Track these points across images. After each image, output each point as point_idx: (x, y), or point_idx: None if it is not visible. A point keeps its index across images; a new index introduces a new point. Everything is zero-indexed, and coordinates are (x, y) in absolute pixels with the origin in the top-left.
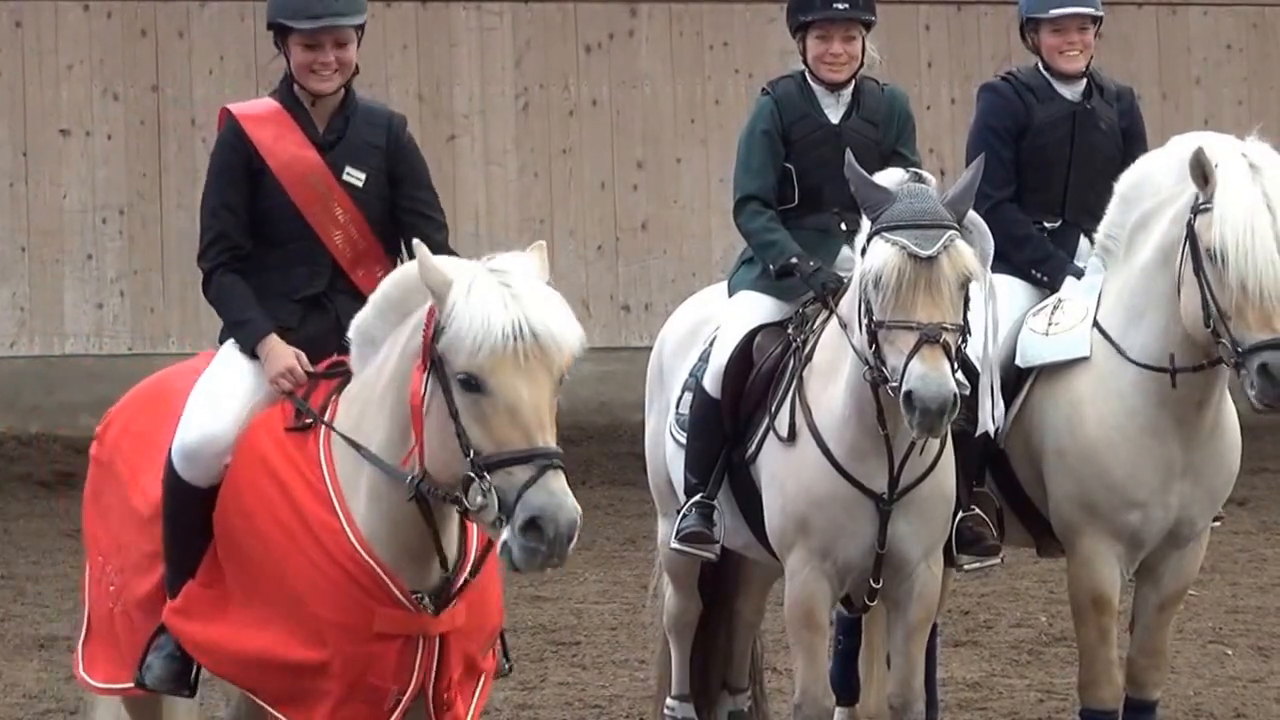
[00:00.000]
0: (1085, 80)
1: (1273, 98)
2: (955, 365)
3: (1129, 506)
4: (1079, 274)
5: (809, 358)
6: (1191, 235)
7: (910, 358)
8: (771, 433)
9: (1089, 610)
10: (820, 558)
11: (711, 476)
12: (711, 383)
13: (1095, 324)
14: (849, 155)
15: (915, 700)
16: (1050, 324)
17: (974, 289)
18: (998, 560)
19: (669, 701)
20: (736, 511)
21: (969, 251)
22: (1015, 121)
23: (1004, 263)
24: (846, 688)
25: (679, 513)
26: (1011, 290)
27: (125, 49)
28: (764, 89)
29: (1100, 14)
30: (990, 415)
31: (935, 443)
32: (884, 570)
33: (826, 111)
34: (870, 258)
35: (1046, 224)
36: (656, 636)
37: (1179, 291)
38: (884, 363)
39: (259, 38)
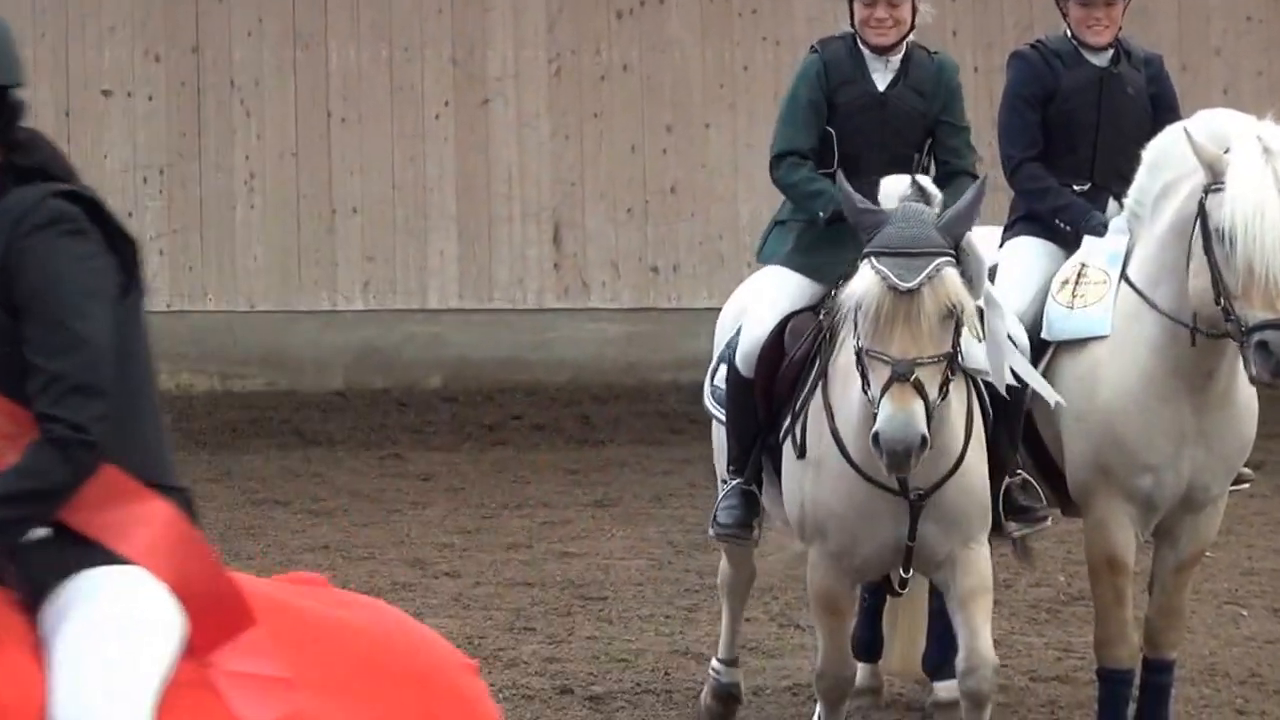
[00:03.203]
0: (1113, 48)
1: None
2: (937, 397)
3: (1141, 470)
4: (1102, 226)
5: (835, 353)
6: (1203, 213)
7: (882, 394)
8: (796, 427)
9: (1104, 571)
10: (838, 557)
11: (750, 459)
12: (744, 363)
13: (1125, 277)
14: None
15: (981, 666)
16: (1075, 297)
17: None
18: (1048, 524)
19: (715, 664)
20: (776, 493)
21: (956, 281)
22: (1043, 87)
23: (1028, 222)
24: (871, 645)
25: (720, 495)
26: (1034, 253)
27: (166, 11)
28: (813, 47)
29: None
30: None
31: (958, 437)
32: (916, 563)
33: (874, 77)
34: (855, 283)
35: (1075, 187)
36: (680, 592)
37: (1188, 267)
38: (867, 388)
39: (298, 1)
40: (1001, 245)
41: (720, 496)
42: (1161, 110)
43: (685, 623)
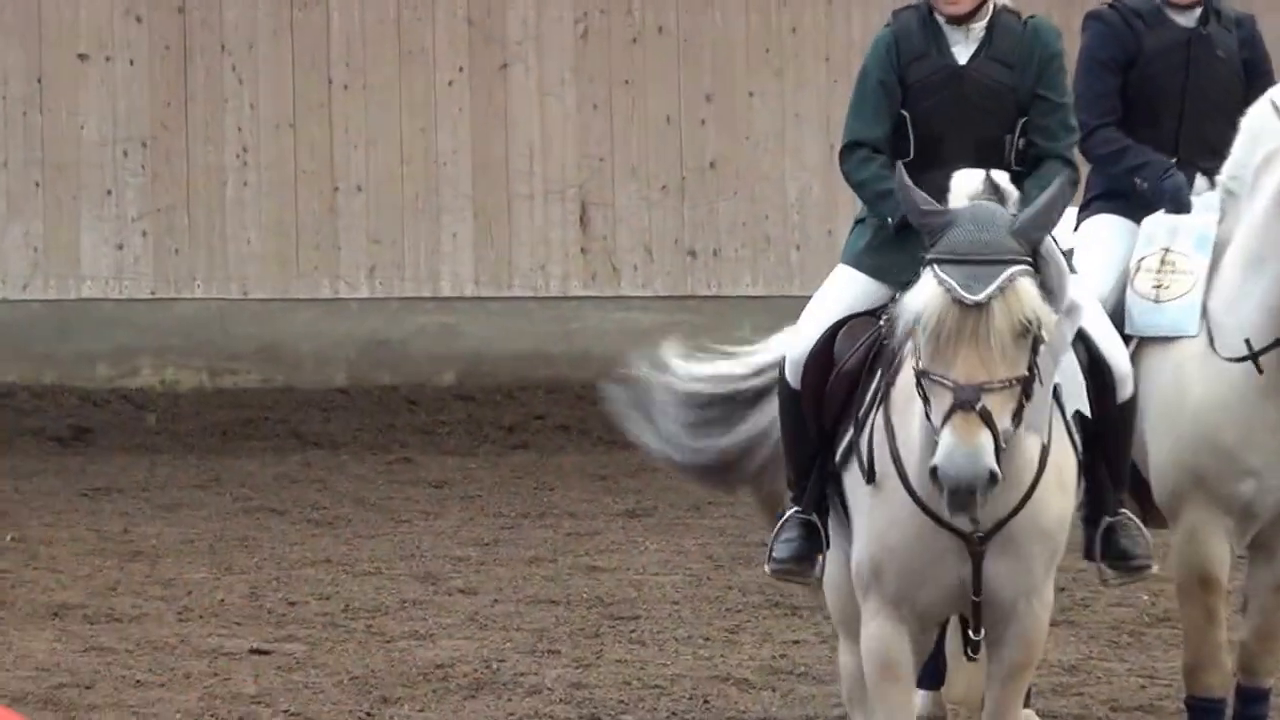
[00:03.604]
0: (1201, 6)
1: None
2: (1009, 427)
3: (1241, 475)
4: (1183, 189)
5: (898, 366)
6: None
7: (944, 423)
8: (855, 453)
9: (1195, 589)
10: (896, 604)
11: (809, 484)
12: (791, 372)
13: (1218, 259)
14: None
15: None
16: (1158, 287)
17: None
18: (1150, 573)
19: None
20: (841, 518)
21: (1032, 293)
22: (1123, 51)
23: (1107, 200)
24: (931, 672)
25: (777, 524)
26: (1115, 234)
27: None
28: (889, 20)
29: None
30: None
31: (1028, 468)
32: (983, 613)
33: (954, 50)
34: (915, 294)
35: None
36: (720, 612)
37: None
38: (929, 414)
39: None
40: (1077, 227)
41: (777, 526)
42: (1255, 76)
43: (726, 645)
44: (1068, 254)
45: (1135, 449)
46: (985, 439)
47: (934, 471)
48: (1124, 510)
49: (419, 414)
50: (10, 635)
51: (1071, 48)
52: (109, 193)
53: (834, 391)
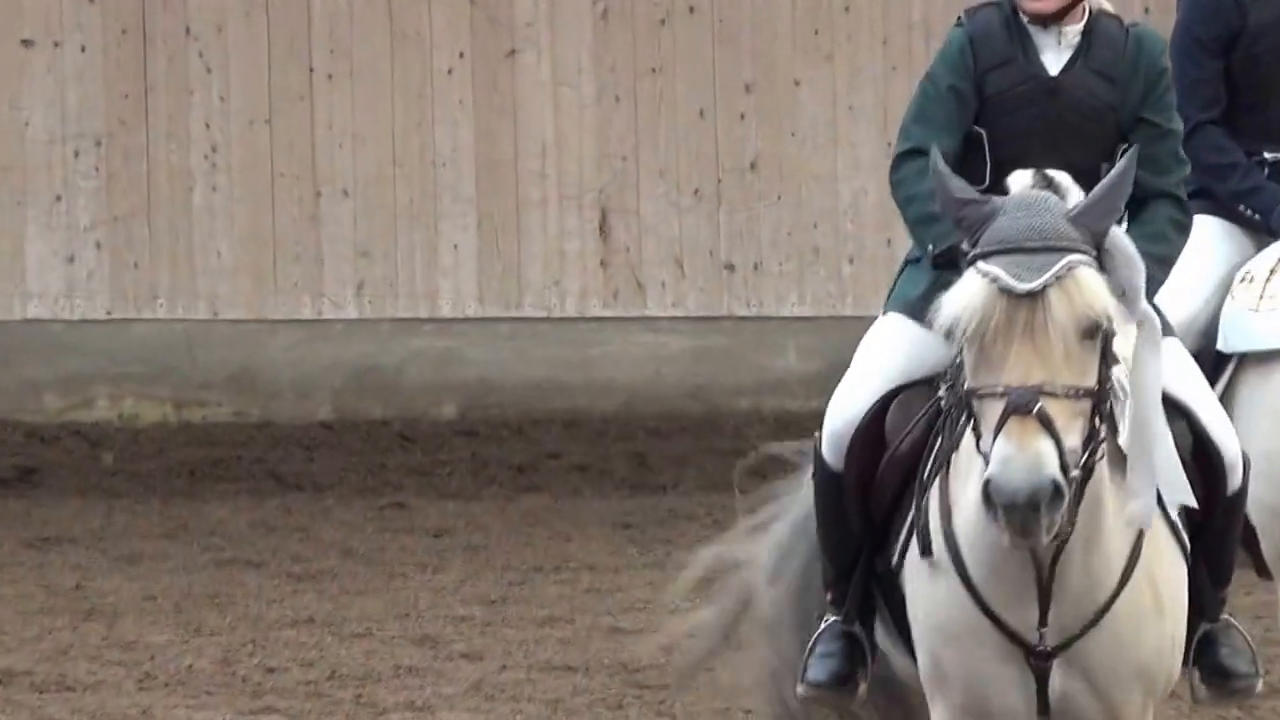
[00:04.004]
0: None
1: None
2: (1075, 447)
3: None
4: None
5: (961, 433)
6: None
7: (996, 434)
8: (915, 539)
9: None
10: (964, 714)
11: (851, 585)
12: (832, 451)
13: None
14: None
15: None
16: (1263, 298)
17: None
18: (1254, 693)
19: None
20: (891, 628)
21: (1096, 283)
22: (1226, 27)
23: (1205, 199)
24: None
25: (813, 636)
26: (1211, 237)
27: None
28: (959, 19)
29: None
30: (1157, 491)
31: (1112, 566)
32: None
33: (1043, 58)
34: (954, 295)
35: (1268, 154)
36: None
37: None
38: (978, 441)
39: None
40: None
41: (812, 639)
42: None
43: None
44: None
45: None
46: (1047, 446)
47: (986, 489)
48: (1227, 616)
49: (414, 452)
50: None
51: (1169, 27)
52: (58, 198)
53: (885, 479)
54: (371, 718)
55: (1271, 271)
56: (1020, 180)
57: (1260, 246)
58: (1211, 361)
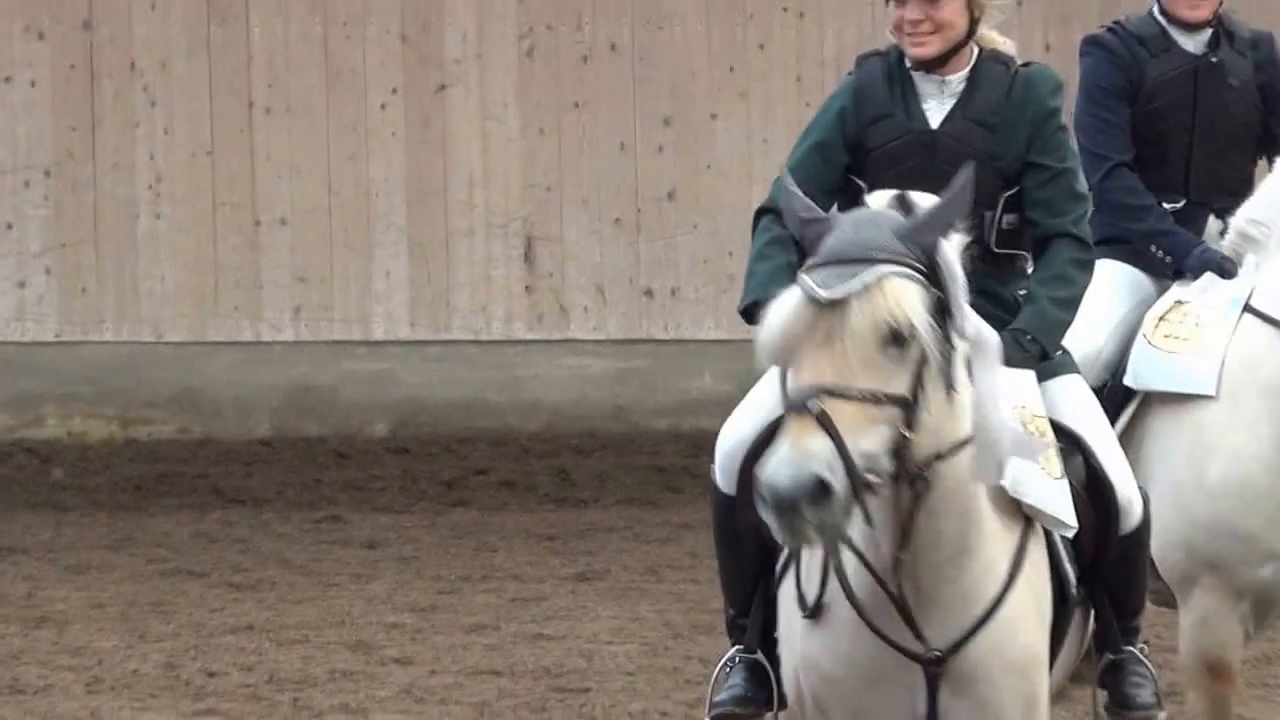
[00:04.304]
0: (1212, 28)
1: None
2: (870, 451)
3: (1263, 559)
4: (1215, 265)
5: None
6: None
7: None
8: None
9: (1202, 676)
10: None
11: (751, 613)
12: (724, 474)
13: (1250, 308)
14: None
15: None
16: (1171, 338)
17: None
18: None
19: None
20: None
21: (904, 295)
22: (1127, 81)
23: (1114, 245)
24: None
25: (720, 662)
26: (1115, 279)
27: None
28: (853, 68)
29: None
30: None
31: (999, 567)
32: None
33: (925, 107)
34: (771, 308)
35: (1166, 204)
36: (679, 684)
37: None
38: None
39: None
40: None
41: (717, 670)
42: (1274, 103)
43: None
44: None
45: None
46: (820, 445)
47: (755, 488)
48: (1132, 648)
49: (349, 468)
50: None
51: (1075, 68)
52: (9, 226)
53: None
54: None
55: (1181, 314)
56: (878, 199)
57: (1161, 290)
58: (1118, 396)
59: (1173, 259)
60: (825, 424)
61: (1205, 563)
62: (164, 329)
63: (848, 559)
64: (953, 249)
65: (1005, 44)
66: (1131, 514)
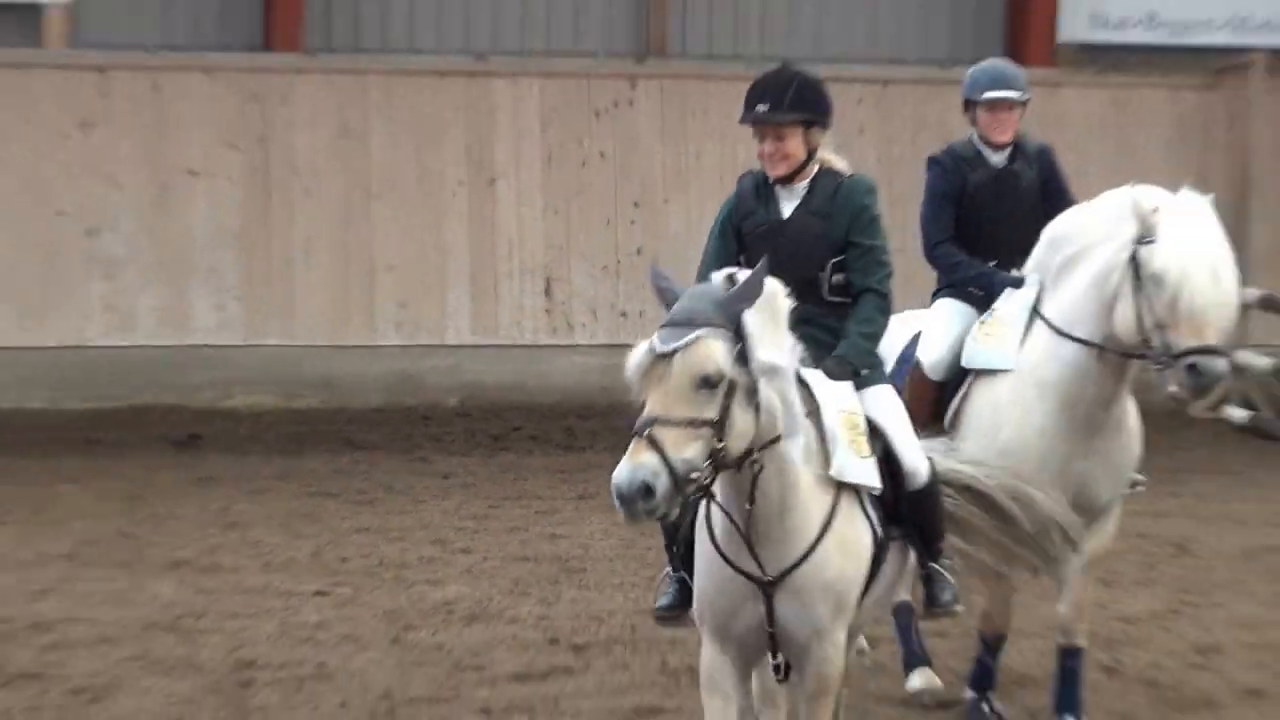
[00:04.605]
0: (1010, 147)
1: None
2: (689, 459)
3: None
4: (1013, 282)
5: None
6: (1135, 262)
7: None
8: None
9: (990, 579)
10: (717, 637)
11: (675, 545)
12: None
13: (1040, 316)
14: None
15: None
16: (986, 336)
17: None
18: (958, 613)
19: None
20: None
21: (711, 351)
22: (955, 186)
23: (949, 289)
24: (918, 656)
25: (661, 577)
26: (954, 311)
27: (242, 110)
28: (740, 179)
29: (1027, 97)
30: (842, 466)
31: (815, 519)
32: (780, 646)
33: (781, 204)
34: (630, 355)
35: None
36: (643, 565)
37: (1112, 308)
38: None
39: (345, 104)
40: (931, 305)
41: (658, 581)
42: (1052, 195)
43: (647, 589)
44: (917, 332)
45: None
46: (648, 459)
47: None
48: (937, 565)
49: (432, 426)
50: (143, 582)
51: (895, 173)
52: (212, 270)
53: None
54: (404, 588)
55: (993, 318)
56: (718, 276)
57: (981, 312)
58: (958, 378)
59: (985, 291)
60: (654, 444)
61: None
62: (315, 337)
63: (717, 514)
64: (752, 314)
65: (838, 161)
66: (918, 476)
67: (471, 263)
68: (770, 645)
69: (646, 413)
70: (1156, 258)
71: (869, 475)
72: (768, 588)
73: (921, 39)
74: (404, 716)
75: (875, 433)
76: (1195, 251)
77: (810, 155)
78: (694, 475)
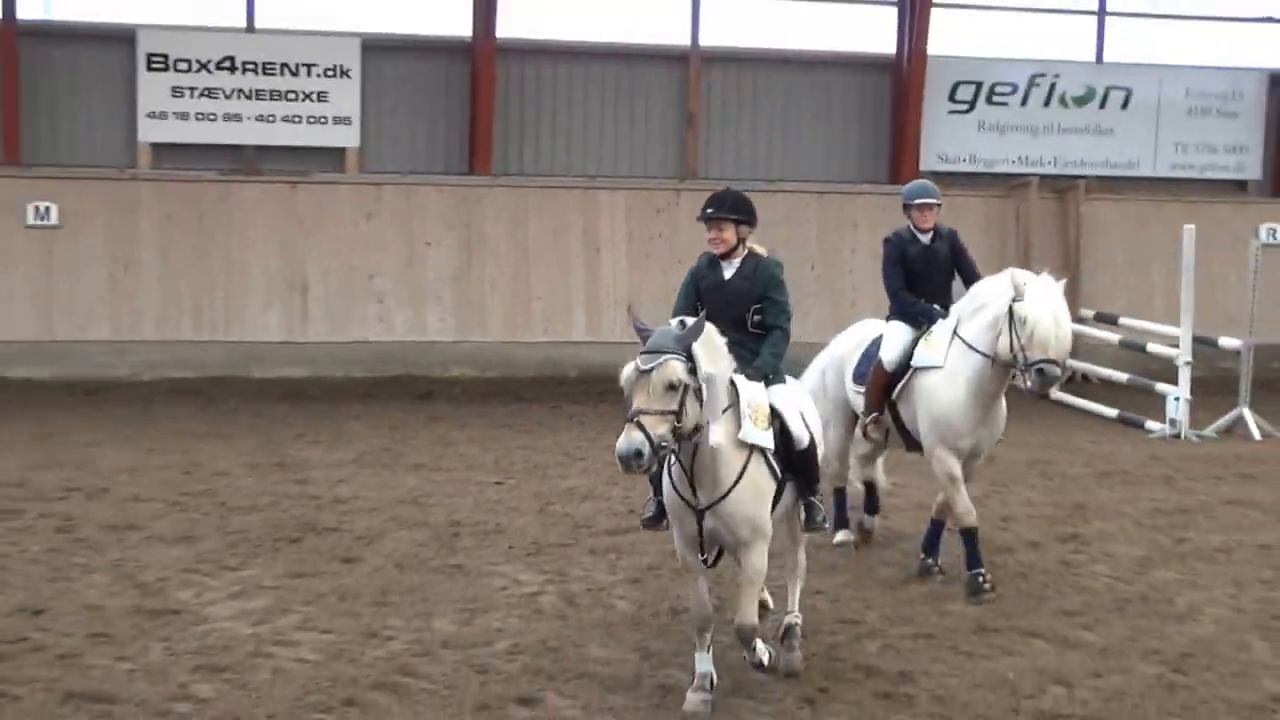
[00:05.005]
0: (932, 231)
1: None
2: (663, 434)
3: (959, 437)
4: (940, 317)
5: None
6: (1011, 310)
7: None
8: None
9: (949, 482)
10: (678, 536)
11: (656, 476)
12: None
13: (959, 337)
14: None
15: (740, 629)
16: (925, 346)
17: (709, 382)
18: (824, 529)
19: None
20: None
21: (674, 368)
22: (902, 255)
23: (898, 315)
24: (844, 518)
25: (647, 501)
26: (900, 329)
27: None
28: (699, 257)
29: (940, 202)
30: (709, 434)
31: (734, 469)
32: (711, 547)
33: (723, 271)
34: (625, 370)
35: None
36: (605, 465)
37: (998, 337)
38: None
39: None
40: (887, 322)
41: (646, 501)
42: (960, 261)
43: (610, 483)
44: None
45: (911, 425)
46: (637, 436)
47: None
48: (813, 497)
49: (564, 388)
50: (397, 476)
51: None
52: (439, 298)
53: None
54: (546, 480)
55: (929, 336)
56: (674, 321)
57: (919, 333)
58: (904, 373)
59: (925, 318)
60: (640, 426)
61: (938, 439)
62: (497, 336)
63: (676, 465)
64: (697, 345)
65: (759, 247)
66: (801, 442)
67: (586, 296)
68: (700, 545)
69: (635, 407)
70: (1022, 309)
71: (765, 440)
72: (699, 512)
73: (841, 166)
74: (546, 554)
75: (775, 415)
76: (1044, 307)
77: (740, 242)
78: (665, 445)
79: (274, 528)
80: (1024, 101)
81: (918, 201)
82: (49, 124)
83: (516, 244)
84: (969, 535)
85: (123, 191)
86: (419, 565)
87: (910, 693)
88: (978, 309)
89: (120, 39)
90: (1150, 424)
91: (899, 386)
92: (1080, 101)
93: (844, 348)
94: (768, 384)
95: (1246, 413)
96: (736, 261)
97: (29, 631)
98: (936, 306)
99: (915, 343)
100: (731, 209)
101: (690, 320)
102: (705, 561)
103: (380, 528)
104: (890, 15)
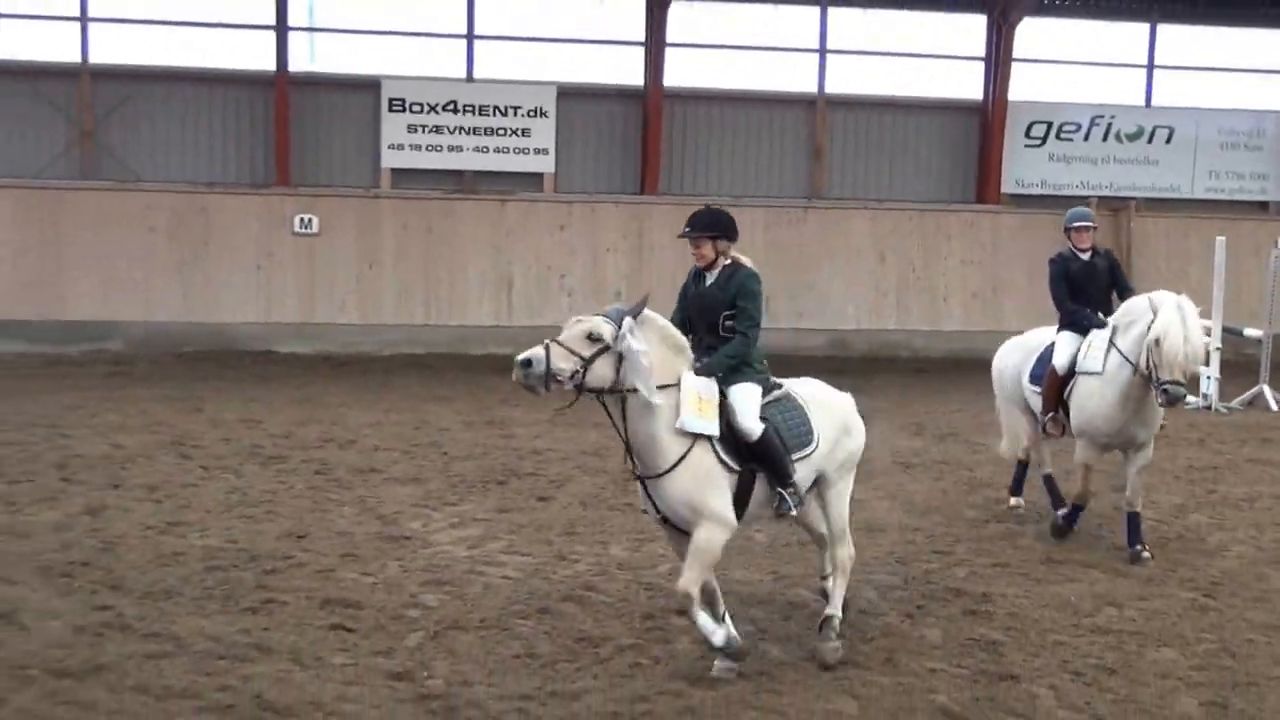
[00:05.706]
0: (1092, 249)
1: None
2: (562, 369)
3: (1104, 435)
4: (1101, 324)
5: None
6: (1149, 330)
7: None
8: None
9: (1084, 470)
10: (645, 503)
11: None
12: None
13: (1115, 347)
14: (628, 321)
15: (679, 592)
16: (1086, 356)
17: (631, 354)
18: (793, 515)
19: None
20: None
21: (599, 323)
22: (1066, 271)
23: (1067, 326)
24: (1059, 502)
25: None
26: (1069, 338)
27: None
28: (689, 271)
29: (1095, 225)
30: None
31: (672, 452)
32: (672, 517)
33: (706, 281)
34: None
35: (1087, 310)
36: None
37: (1140, 351)
38: None
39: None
40: (1057, 332)
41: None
42: (1118, 278)
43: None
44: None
45: (1075, 417)
46: (539, 352)
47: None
48: (784, 490)
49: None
50: (513, 432)
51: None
52: (617, 293)
53: None
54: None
55: (1090, 346)
56: (642, 313)
57: (1085, 339)
58: (1071, 375)
59: (1088, 325)
60: (546, 348)
61: (1083, 432)
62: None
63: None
64: (630, 321)
65: (743, 258)
66: (750, 435)
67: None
68: (652, 505)
69: (558, 336)
70: (1156, 330)
71: (707, 428)
72: (640, 480)
73: (936, 189)
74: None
75: (726, 408)
76: (1177, 331)
77: (719, 255)
78: (559, 377)
79: (485, 472)
80: (1086, 137)
81: (1077, 224)
82: (312, 154)
83: (677, 249)
84: (1133, 518)
85: (368, 207)
86: (599, 503)
87: (990, 610)
88: (1130, 323)
89: (368, 86)
90: (1187, 397)
91: (1068, 387)
92: (1132, 138)
93: (1016, 357)
94: (727, 381)
95: (1266, 389)
96: (715, 273)
97: (294, 551)
98: (1099, 314)
99: (1079, 350)
100: (706, 227)
101: (637, 309)
102: (658, 523)
103: (569, 473)
104: (979, 69)
